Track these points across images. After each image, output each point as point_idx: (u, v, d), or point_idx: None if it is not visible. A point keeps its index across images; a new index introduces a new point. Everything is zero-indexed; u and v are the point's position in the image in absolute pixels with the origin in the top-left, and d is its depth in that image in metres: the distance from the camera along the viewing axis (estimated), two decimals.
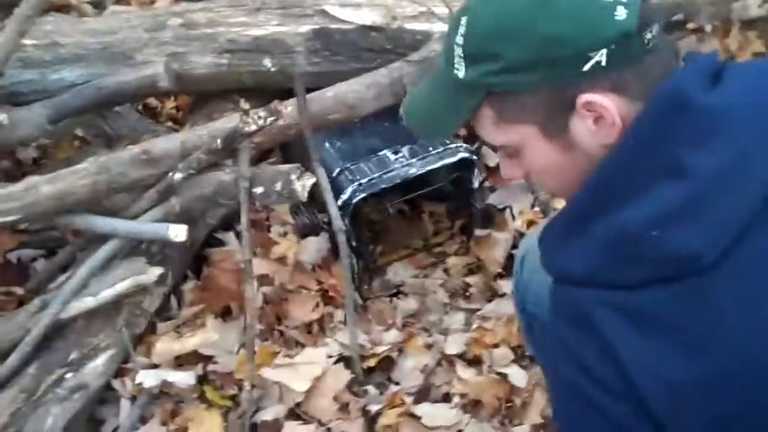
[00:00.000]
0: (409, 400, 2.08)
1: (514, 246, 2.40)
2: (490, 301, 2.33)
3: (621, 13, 1.02)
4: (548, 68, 1.05)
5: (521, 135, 1.14)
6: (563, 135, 1.11)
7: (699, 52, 1.15)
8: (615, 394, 1.01)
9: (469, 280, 2.39)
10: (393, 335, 2.25)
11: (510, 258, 2.36)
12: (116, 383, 2.10)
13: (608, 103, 1.05)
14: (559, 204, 2.44)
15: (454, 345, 2.21)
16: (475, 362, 2.17)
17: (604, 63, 1.03)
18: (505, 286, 2.30)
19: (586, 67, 1.03)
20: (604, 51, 1.02)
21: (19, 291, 2.33)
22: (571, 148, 1.12)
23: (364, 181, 2.23)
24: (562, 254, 1.11)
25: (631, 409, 1.01)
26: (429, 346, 2.22)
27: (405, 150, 2.31)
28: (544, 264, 1.16)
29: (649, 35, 1.04)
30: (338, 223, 2.12)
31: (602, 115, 1.06)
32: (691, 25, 2.66)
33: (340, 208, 2.17)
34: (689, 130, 1.00)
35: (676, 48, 1.14)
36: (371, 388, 2.13)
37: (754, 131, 1.00)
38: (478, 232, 2.45)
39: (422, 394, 2.11)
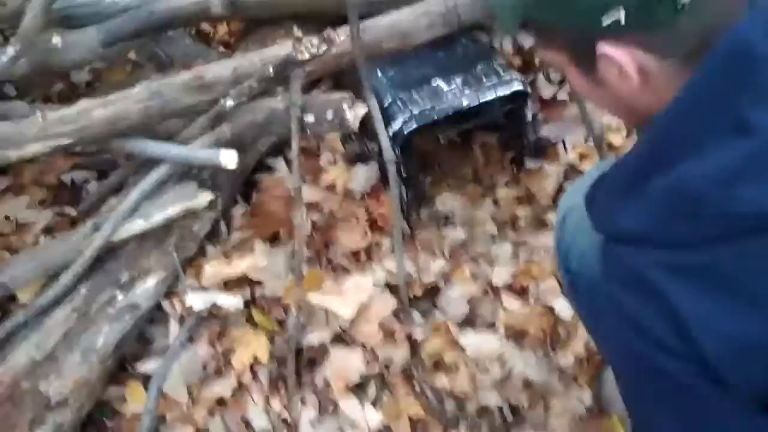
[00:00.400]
0: (454, 328, 2.10)
1: (566, 178, 2.40)
2: (538, 233, 2.32)
3: None
4: (567, 11, 1.03)
5: (558, 61, 1.14)
6: (594, 75, 1.09)
7: None
8: (675, 354, 0.98)
9: (519, 211, 2.38)
10: (440, 264, 2.25)
11: (560, 191, 2.35)
12: (166, 304, 2.15)
13: (627, 59, 1.02)
14: (613, 138, 2.42)
15: (500, 276, 2.21)
16: (521, 293, 2.17)
17: (623, 21, 0.98)
18: (554, 218, 2.28)
19: (605, 22, 0.99)
20: (621, 10, 0.98)
21: (72, 212, 2.38)
22: (604, 85, 1.09)
23: (415, 111, 2.21)
24: (616, 213, 1.07)
25: (693, 368, 0.97)
26: (475, 276, 2.22)
27: (458, 80, 2.28)
28: (595, 223, 1.13)
29: None
30: (389, 153, 2.11)
31: (623, 69, 1.03)
32: None
33: (391, 138, 2.16)
34: (755, 84, 0.96)
35: None
36: (417, 316, 2.14)
37: None
38: (529, 163, 2.44)
39: (467, 323, 2.13)
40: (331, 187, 2.34)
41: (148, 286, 2.08)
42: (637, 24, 0.99)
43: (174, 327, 2.12)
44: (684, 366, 0.98)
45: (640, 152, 1.06)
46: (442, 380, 2.02)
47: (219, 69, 2.15)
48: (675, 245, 0.98)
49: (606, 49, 1.02)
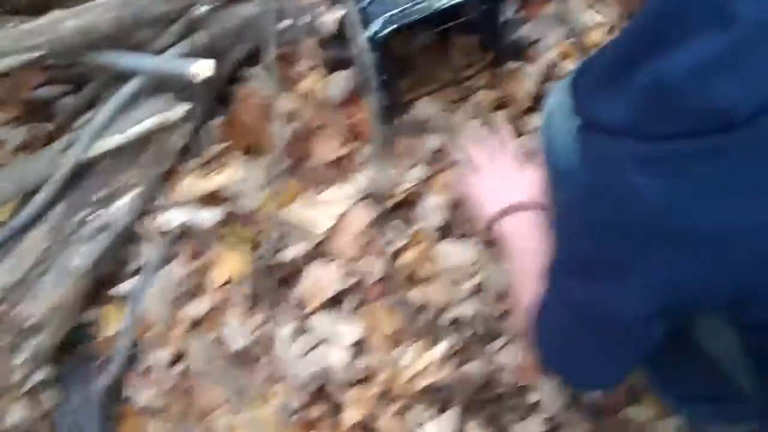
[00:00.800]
0: (432, 237, 2.11)
1: (546, 79, 2.36)
2: (518, 137, 2.28)
3: None
4: None
5: None
6: None
7: None
8: None
9: (498, 115, 2.34)
10: (419, 172, 2.23)
11: (540, 92, 2.32)
12: (141, 223, 2.14)
13: None
14: (594, 35, 2.37)
15: None
16: None
17: None
18: (535, 120, 2.27)
19: None
20: None
21: (47, 128, 2.36)
22: None
23: (393, 13, 2.16)
24: (597, 103, 1.07)
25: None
26: (454, 184, 2.20)
27: None
28: (576, 108, 1.13)
29: None
30: (366, 57, 2.08)
31: None
32: None
33: (370, 40, 2.13)
34: None
35: None
36: (395, 226, 2.14)
37: None
38: (509, 65, 2.39)
39: (445, 233, 2.13)
40: (308, 95, 2.30)
41: (124, 203, 2.07)
42: None
43: (149, 246, 2.12)
44: None
45: (625, 41, 1.06)
46: (418, 292, 2.04)
47: None
48: (650, 138, 0.98)
49: None
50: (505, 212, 1.52)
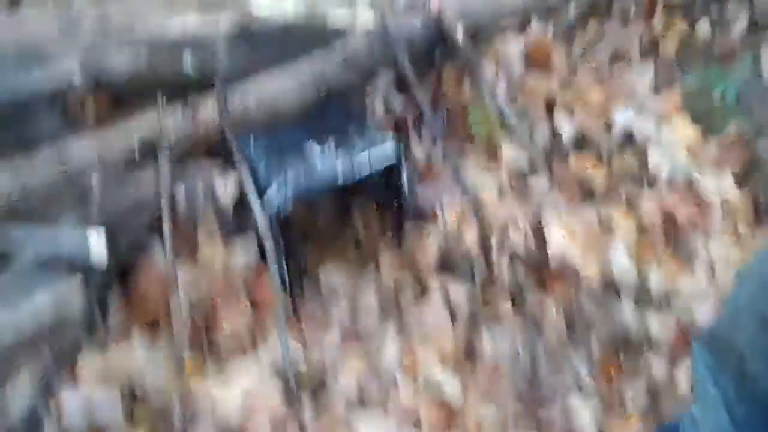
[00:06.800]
0: (345, 411, 2.05)
1: (446, 239, 2.37)
2: (422, 302, 2.29)
3: None
4: None
5: None
6: None
7: None
8: None
9: (402, 279, 2.34)
10: (327, 342, 2.19)
11: (442, 254, 2.33)
12: (38, 407, 2.00)
13: None
14: (487, 197, 2.40)
15: (389, 353, 2.18)
16: (410, 371, 2.14)
17: None
18: (435, 283, 2.29)
19: None
20: None
21: None
22: None
23: (290, 181, 2.16)
24: None
25: None
26: (364, 354, 2.18)
27: (331, 145, 2.25)
28: None
29: None
30: (264, 227, 2.06)
31: None
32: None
33: (267, 209, 2.11)
34: None
35: None
36: (306, 400, 2.07)
37: None
38: (409, 227, 2.41)
39: (359, 404, 2.08)
40: (208, 265, 2.26)
41: (17, 387, 1.96)
42: None
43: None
44: None
45: None
46: None
47: (83, 149, 2.07)
48: None
49: None
50: None
